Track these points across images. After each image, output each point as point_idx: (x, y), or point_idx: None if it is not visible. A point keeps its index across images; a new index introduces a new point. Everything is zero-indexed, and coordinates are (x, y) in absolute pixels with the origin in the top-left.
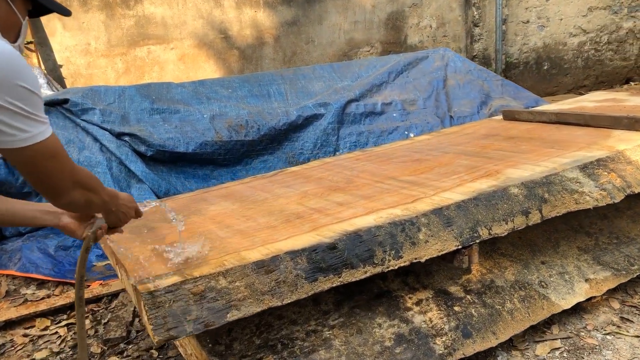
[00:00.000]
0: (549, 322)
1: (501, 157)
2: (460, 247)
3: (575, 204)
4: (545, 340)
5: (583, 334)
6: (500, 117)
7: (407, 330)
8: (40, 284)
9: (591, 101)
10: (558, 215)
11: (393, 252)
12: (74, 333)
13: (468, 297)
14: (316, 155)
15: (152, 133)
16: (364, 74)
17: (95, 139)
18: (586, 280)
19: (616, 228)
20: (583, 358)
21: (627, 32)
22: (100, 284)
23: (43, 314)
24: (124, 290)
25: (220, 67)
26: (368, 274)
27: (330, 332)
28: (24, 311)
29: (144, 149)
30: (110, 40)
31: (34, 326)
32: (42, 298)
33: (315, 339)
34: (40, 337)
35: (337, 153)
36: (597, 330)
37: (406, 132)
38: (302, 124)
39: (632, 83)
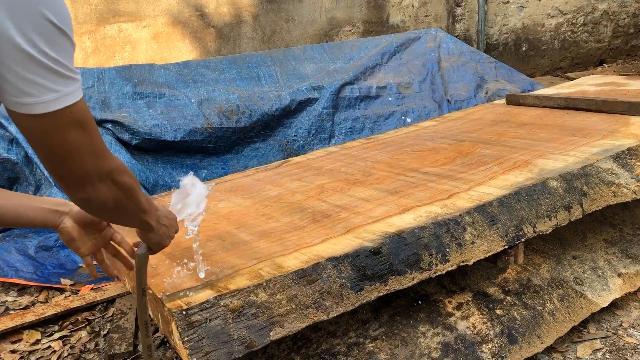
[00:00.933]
0: (584, 321)
1: (523, 145)
2: (506, 247)
3: (613, 196)
4: (585, 341)
5: (621, 332)
6: (502, 101)
7: (453, 339)
8: (22, 289)
9: (590, 85)
10: (598, 209)
11: (440, 255)
12: (71, 347)
13: (508, 298)
14: (311, 143)
15: (136, 120)
16: (357, 55)
17: None
18: (619, 275)
19: (638, 219)
20: (627, 359)
21: (601, 14)
22: (92, 288)
23: (31, 326)
24: (120, 295)
25: (196, 47)
26: (415, 281)
27: (374, 344)
28: (9, 323)
29: (128, 137)
30: (77, 16)
31: (22, 339)
32: (26, 306)
33: (358, 353)
34: (31, 352)
35: (332, 140)
36: (634, 328)
37: (403, 117)
38: (295, 109)
39: (605, 65)
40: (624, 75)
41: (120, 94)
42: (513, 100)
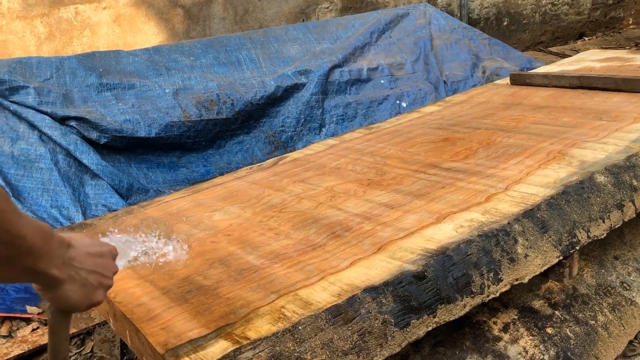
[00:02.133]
0: None
1: (548, 132)
2: (561, 257)
3: None
4: (638, 355)
5: None
6: (504, 81)
7: None
8: None
9: (593, 61)
10: None
11: (491, 274)
12: None
13: (557, 313)
14: (300, 133)
15: (104, 115)
16: (343, 34)
17: (32, 126)
18: None
19: None
20: None
21: None
22: None
23: None
24: (99, 324)
25: (162, 30)
26: (467, 309)
27: None
28: None
29: (96, 135)
30: None
31: None
32: None
33: None
34: None
35: (323, 129)
36: None
37: (397, 102)
38: (281, 96)
39: (585, 38)
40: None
41: (83, 86)
42: (519, 80)
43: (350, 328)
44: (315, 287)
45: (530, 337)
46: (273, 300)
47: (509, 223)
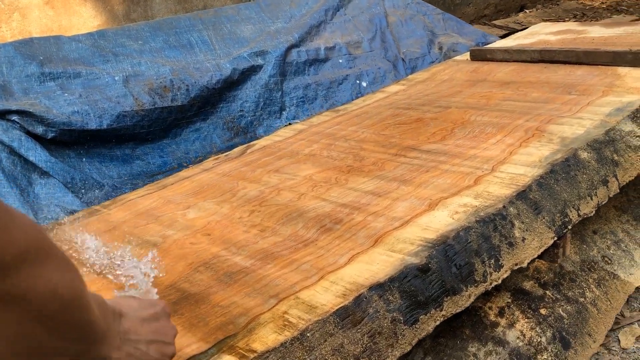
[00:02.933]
0: None
1: (520, 109)
2: (555, 238)
3: None
4: (623, 327)
5: None
6: (463, 57)
7: (507, 356)
8: None
9: (547, 34)
10: (631, 180)
11: (492, 261)
12: None
13: (548, 293)
14: (260, 118)
15: (49, 107)
16: (297, 12)
17: None
18: None
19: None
20: None
21: None
22: None
23: None
24: None
25: (100, 12)
26: (472, 299)
27: None
28: None
29: (42, 129)
30: None
31: None
32: None
33: None
34: None
35: (284, 113)
36: None
37: (357, 82)
38: (238, 79)
39: (526, 11)
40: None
41: (23, 77)
42: (479, 56)
43: (359, 330)
44: (317, 288)
45: (526, 320)
46: (273, 306)
47: (504, 206)
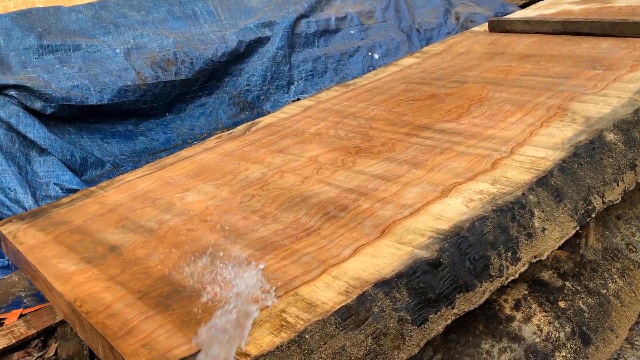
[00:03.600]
0: None
1: (541, 85)
2: (578, 228)
3: None
4: None
5: None
6: (481, 28)
7: (523, 353)
8: None
9: (570, 3)
10: None
11: (509, 254)
12: None
13: (567, 284)
14: (267, 92)
15: (48, 82)
16: None
17: None
18: None
19: None
20: None
21: None
22: (22, 314)
23: None
24: (62, 322)
25: None
26: (487, 295)
27: None
28: None
29: (41, 105)
30: None
31: None
32: None
33: None
34: None
35: (292, 87)
36: None
37: (369, 54)
38: (244, 52)
39: None
40: None
41: (21, 49)
42: (498, 27)
43: (363, 331)
44: (318, 284)
45: (544, 314)
46: (271, 302)
47: (523, 194)
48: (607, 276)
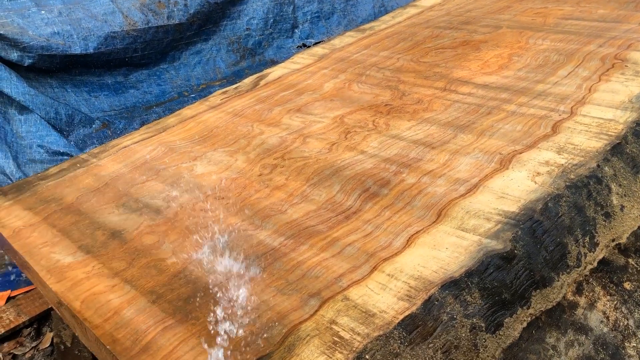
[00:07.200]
0: None
1: (590, 31)
2: None
3: None
4: None
5: None
6: None
7: (592, 346)
8: None
9: None
10: None
11: (587, 238)
12: None
13: (630, 262)
14: (269, 37)
15: (23, 28)
16: None
17: None
18: None
19: None
20: None
21: None
22: (11, 296)
23: None
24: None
25: None
26: (564, 290)
27: None
28: None
29: (17, 55)
30: None
31: None
32: None
33: None
34: None
35: (296, 31)
36: None
37: None
38: None
39: None
40: None
41: None
42: None
43: (432, 345)
44: (370, 284)
45: (609, 299)
46: (316, 311)
47: (598, 165)
48: None
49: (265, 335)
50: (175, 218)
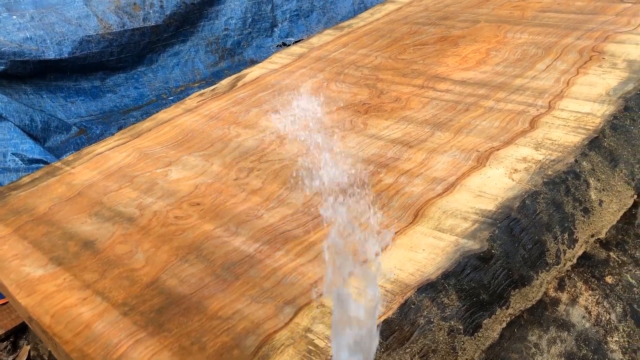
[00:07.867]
0: None
1: (567, 23)
2: (635, 196)
3: None
4: None
5: None
6: None
7: (574, 342)
8: None
9: None
10: None
11: (566, 235)
12: None
13: (612, 255)
14: (248, 37)
15: None
16: None
17: None
18: None
19: None
20: None
21: None
22: None
23: None
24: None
25: None
26: (544, 288)
27: None
28: None
29: None
30: None
31: None
32: None
33: None
34: None
35: (275, 30)
36: None
37: None
38: None
39: None
40: None
41: None
42: None
43: (409, 350)
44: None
45: (590, 293)
46: (291, 319)
47: (576, 160)
48: None
49: (239, 346)
50: (149, 225)
